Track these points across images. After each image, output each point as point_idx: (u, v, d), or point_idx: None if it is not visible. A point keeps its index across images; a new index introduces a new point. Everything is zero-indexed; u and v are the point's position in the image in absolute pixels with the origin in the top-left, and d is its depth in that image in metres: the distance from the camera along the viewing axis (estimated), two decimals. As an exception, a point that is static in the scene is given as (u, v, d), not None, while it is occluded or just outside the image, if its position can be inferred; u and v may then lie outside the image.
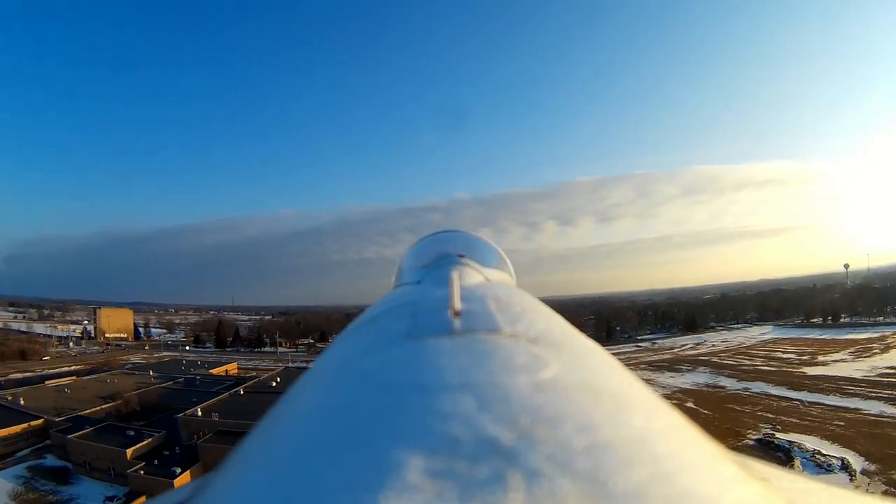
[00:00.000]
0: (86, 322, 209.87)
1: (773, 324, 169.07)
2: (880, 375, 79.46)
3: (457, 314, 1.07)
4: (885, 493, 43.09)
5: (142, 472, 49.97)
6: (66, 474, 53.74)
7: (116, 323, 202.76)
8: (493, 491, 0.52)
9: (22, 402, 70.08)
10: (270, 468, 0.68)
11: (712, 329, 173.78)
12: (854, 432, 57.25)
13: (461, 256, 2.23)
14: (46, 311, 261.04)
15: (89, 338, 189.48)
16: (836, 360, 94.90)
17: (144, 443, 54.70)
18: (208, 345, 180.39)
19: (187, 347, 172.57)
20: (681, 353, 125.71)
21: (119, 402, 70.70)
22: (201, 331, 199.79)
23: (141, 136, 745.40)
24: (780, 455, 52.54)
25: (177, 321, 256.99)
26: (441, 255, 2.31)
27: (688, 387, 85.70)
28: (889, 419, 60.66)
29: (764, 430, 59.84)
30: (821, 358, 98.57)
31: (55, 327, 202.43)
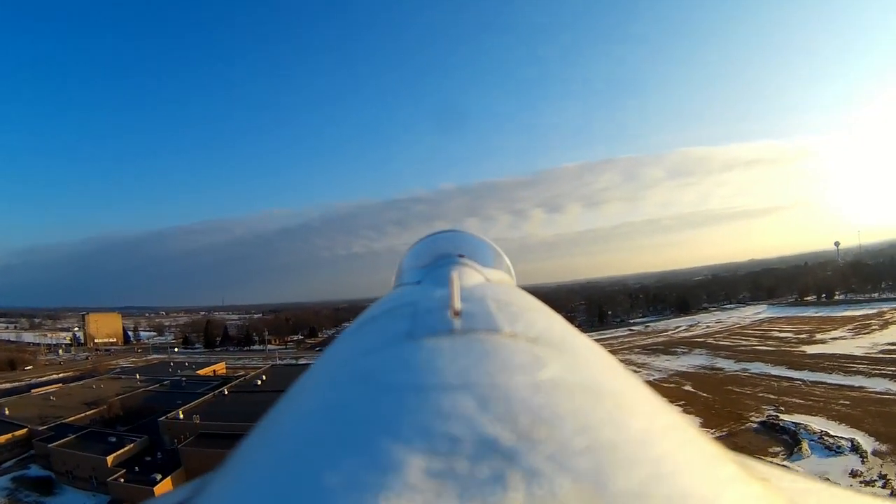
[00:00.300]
0: (76, 329, 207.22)
1: (766, 303, 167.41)
2: (882, 352, 76.98)
3: (457, 314, 1.07)
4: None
5: (122, 479, 48.22)
6: (49, 484, 52.34)
7: (105, 328, 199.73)
8: (493, 491, 0.52)
9: (7, 412, 68.04)
10: (270, 468, 0.68)
11: (705, 310, 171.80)
12: (861, 412, 54.58)
13: (461, 256, 2.25)
14: (38, 320, 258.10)
15: (79, 344, 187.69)
16: (835, 338, 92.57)
17: (125, 449, 53.32)
18: (197, 345, 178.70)
19: (176, 349, 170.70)
20: (675, 335, 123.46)
21: (103, 407, 68.85)
22: (190, 332, 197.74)
23: (125, 142, 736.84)
24: (787, 438, 50.01)
25: (167, 323, 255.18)
26: (441, 255, 2.33)
27: (685, 369, 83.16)
28: (896, 397, 58.15)
29: (767, 412, 57.03)
30: (819, 336, 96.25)
31: (45, 335, 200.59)
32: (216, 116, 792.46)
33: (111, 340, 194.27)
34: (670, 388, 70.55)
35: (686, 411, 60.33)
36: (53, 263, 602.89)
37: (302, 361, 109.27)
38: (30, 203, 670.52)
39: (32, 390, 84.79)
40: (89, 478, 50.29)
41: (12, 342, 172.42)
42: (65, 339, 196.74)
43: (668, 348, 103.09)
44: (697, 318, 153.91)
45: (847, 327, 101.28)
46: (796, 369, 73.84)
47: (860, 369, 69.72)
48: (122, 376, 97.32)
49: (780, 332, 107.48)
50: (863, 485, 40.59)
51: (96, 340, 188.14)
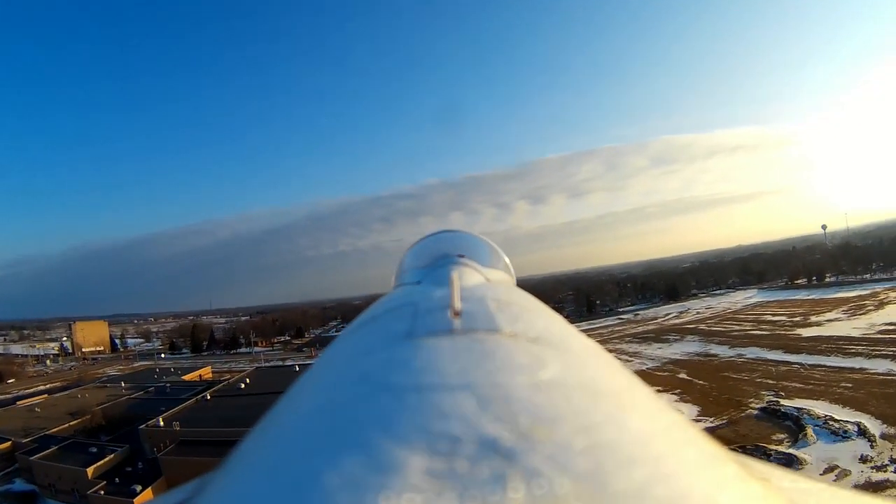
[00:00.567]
0: (63, 339, 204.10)
1: (756, 287, 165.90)
2: (881, 332, 74.81)
3: (457, 314, 1.08)
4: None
5: (102, 491, 46.30)
6: (33, 498, 51.59)
7: (92, 336, 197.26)
8: (493, 491, 0.52)
9: (-10, 426, 66.06)
10: (270, 468, 0.68)
11: (695, 296, 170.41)
12: (864, 394, 52.06)
13: (461, 256, 2.28)
14: (27, 332, 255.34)
15: (66, 354, 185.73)
16: (831, 320, 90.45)
17: (106, 459, 51.82)
18: (184, 350, 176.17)
19: (162, 355, 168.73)
20: (665, 322, 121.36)
21: (86, 417, 66.99)
22: (177, 337, 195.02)
23: (104, 148, 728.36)
24: (790, 424, 47.30)
25: (154, 329, 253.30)
26: (441, 255, 2.35)
27: (678, 357, 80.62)
28: (899, 378, 55.72)
29: (767, 398, 54.41)
30: (813, 318, 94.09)
31: (33, 346, 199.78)
32: (195, 117, 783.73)
33: (98, 349, 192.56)
34: (665, 377, 68.17)
35: (683, 400, 57.91)
36: (40, 274, 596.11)
37: (289, 362, 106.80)
38: (11, 214, 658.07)
39: (18, 402, 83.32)
40: (71, 490, 49.08)
41: (0, 354, 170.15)
42: (53, 349, 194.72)
43: (660, 336, 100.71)
44: (687, 304, 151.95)
45: (841, 308, 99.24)
46: (793, 353, 71.37)
47: (859, 350, 67.36)
48: (108, 385, 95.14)
49: (774, 315, 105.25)
50: (874, 470, 38.15)
51: (84, 349, 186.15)
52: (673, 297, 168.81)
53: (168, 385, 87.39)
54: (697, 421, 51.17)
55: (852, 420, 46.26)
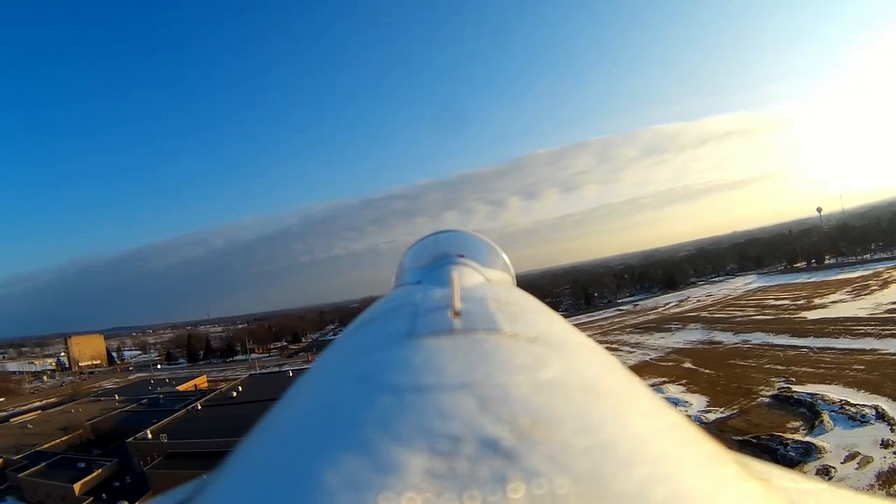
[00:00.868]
0: (61, 354, 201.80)
1: (756, 273, 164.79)
2: (888, 312, 73.26)
3: (457, 314, 1.08)
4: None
5: None
6: None
7: (88, 350, 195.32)
8: (494, 491, 0.52)
9: (-18, 444, 65.09)
10: (270, 468, 0.68)
11: (693, 284, 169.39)
12: (878, 375, 50.10)
13: (461, 256, 2.28)
14: (25, 349, 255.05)
15: (63, 369, 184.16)
16: (835, 301, 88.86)
17: (94, 475, 50.71)
18: (181, 360, 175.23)
19: (158, 366, 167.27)
20: (666, 311, 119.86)
21: (78, 432, 66.31)
22: (174, 347, 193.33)
23: (94, 163, 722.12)
24: (804, 410, 45.17)
25: (151, 341, 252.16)
26: (441, 255, 2.36)
27: (681, 346, 78.76)
28: (913, 357, 53.80)
29: (778, 385, 52.41)
30: (817, 301, 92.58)
31: (31, 363, 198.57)
32: (185, 128, 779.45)
33: (95, 362, 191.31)
34: (670, 367, 66.38)
35: (690, 390, 55.98)
36: (37, 291, 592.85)
37: (284, 368, 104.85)
38: (7, 233, 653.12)
39: (11, 419, 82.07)
40: None
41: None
42: (49, 364, 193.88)
43: (661, 325, 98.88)
44: (686, 292, 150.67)
45: (845, 290, 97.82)
46: (800, 336, 69.61)
47: (868, 331, 65.59)
48: (102, 399, 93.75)
49: (776, 300, 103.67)
50: (897, 455, 36.24)
51: (80, 364, 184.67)
52: (671, 286, 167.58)
53: (161, 396, 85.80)
54: (707, 412, 49.42)
55: (869, 404, 44.29)
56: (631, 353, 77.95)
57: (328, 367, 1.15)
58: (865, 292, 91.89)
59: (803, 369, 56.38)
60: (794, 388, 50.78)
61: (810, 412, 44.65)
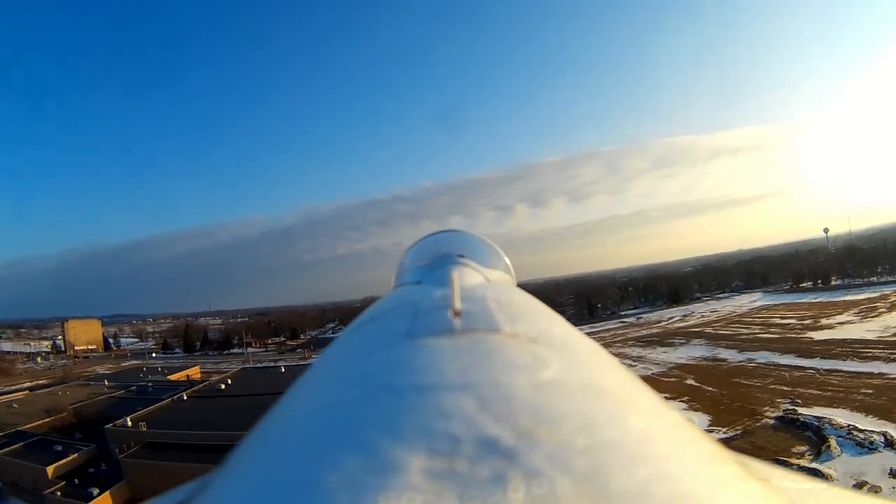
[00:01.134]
0: (58, 337, 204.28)
1: (761, 290, 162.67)
2: (897, 335, 71.49)
3: (457, 314, 1.08)
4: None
5: (59, 493, 43.85)
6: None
7: (84, 335, 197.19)
8: (494, 491, 0.52)
9: (-35, 422, 64.86)
10: (270, 468, 0.68)
11: (698, 300, 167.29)
12: (887, 401, 48.70)
13: (461, 256, 2.28)
14: (23, 331, 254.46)
15: (58, 352, 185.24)
16: (842, 323, 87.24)
17: (69, 459, 49.52)
18: (177, 350, 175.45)
19: (153, 354, 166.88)
20: (669, 325, 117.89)
21: (63, 415, 65.38)
22: (171, 337, 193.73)
23: (105, 151, 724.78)
24: (810, 434, 43.88)
25: (150, 329, 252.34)
26: (441, 255, 2.36)
27: (684, 361, 77.21)
28: (923, 383, 52.38)
29: (783, 406, 51.07)
30: (824, 321, 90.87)
31: (27, 344, 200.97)
32: (196, 122, 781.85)
33: (91, 347, 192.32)
34: (672, 383, 64.81)
35: (692, 408, 54.47)
36: (39, 275, 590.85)
37: (280, 363, 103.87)
38: (11, 214, 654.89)
39: None
40: (32, 489, 46.71)
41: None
42: (45, 347, 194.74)
43: (664, 339, 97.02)
44: (691, 307, 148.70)
45: (852, 311, 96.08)
46: (807, 357, 68.13)
47: (877, 354, 64.10)
48: (91, 383, 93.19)
49: (782, 318, 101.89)
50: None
51: (76, 348, 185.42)
52: (676, 300, 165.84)
53: (150, 384, 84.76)
54: (709, 431, 47.73)
55: (878, 430, 42.88)
56: (633, 366, 76.28)
57: (328, 366, 1.15)
58: (873, 314, 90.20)
59: (810, 391, 55.01)
60: (801, 410, 49.38)
61: (816, 436, 43.28)
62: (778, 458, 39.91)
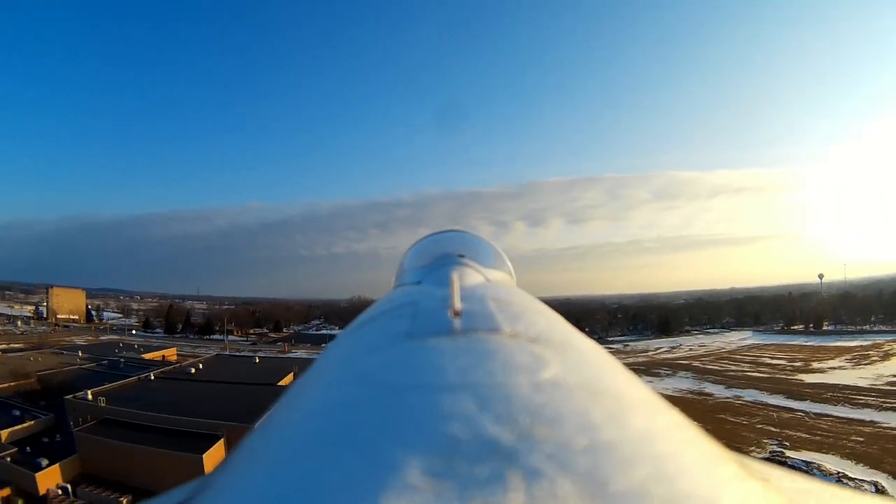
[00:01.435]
0: (44, 304, 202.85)
1: (752, 329, 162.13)
2: (890, 384, 70.62)
3: (457, 314, 1.08)
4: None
5: (9, 458, 42.06)
6: None
7: (67, 304, 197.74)
8: (494, 491, 0.52)
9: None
10: (271, 468, 0.68)
11: (688, 332, 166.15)
12: (878, 449, 47.24)
13: (461, 256, 2.29)
14: (10, 293, 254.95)
15: (40, 318, 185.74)
16: (834, 368, 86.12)
17: (25, 425, 49.18)
18: (158, 330, 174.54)
19: (133, 331, 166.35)
20: (656, 356, 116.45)
21: (30, 380, 65.31)
22: (154, 316, 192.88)
23: (105, 124, 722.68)
24: (798, 479, 42.10)
25: (135, 306, 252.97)
26: (441, 255, 2.37)
27: (669, 393, 74.88)
28: (914, 435, 51.14)
29: (770, 447, 49.38)
30: (815, 365, 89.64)
31: (11, 307, 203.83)
32: (202, 109, 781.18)
33: (73, 317, 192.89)
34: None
35: (676, 440, 52.77)
36: (35, 239, 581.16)
37: (260, 354, 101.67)
38: (14, 176, 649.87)
39: None
40: None
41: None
42: (28, 311, 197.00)
43: (650, 369, 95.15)
44: (679, 339, 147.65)
45: (844, 357, 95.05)
46: (796, 399, 66.59)
47: (869, 402, 62.82)
48: (65, 352, 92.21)
49: (772, 358, 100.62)
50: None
51: (58, 316, 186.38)
52: (665, 331, 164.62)
53: (122, 360, 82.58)
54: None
55: (868, 479, 41.37)
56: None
57: (328, 366, 1.14)
58: (865, 362, 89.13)
59: (798, 434, 53.30)
60: (788, 453, 47.74)
61: (805, 482, 41.45)
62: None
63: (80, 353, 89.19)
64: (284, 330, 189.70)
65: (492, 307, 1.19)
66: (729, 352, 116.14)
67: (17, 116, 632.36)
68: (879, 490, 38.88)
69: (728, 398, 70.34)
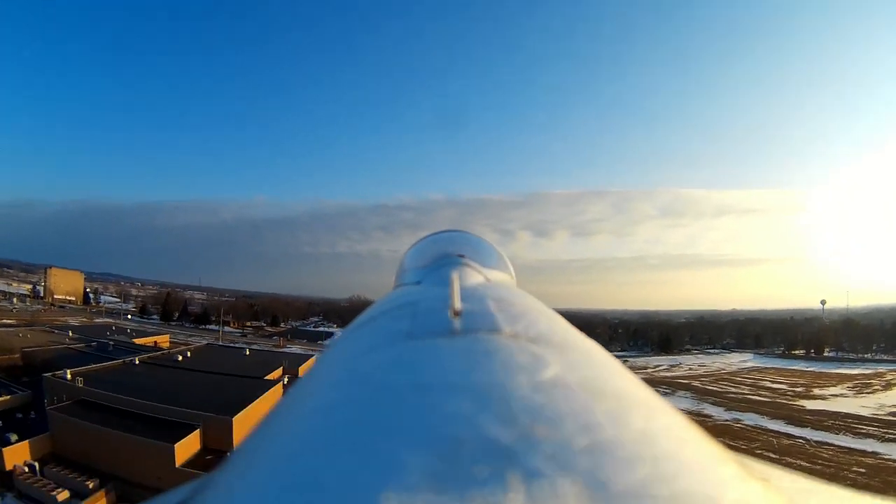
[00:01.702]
0: (42, 283, 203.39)
1: (752, 352, 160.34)
2: (892, 415, 68.97)
3: (457, 314, 1.08)
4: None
5: None
6: None
7: (65, 285, 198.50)
8: (494, 491, 0.52)
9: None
10: (271, 467, 0.68)
11: (688, 352, 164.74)
12: (881, 483, 45.22)
13: (461, 256, 2.29)
14: (11, 271, 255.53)
15: (37, 297, 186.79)
16: (836, 395, 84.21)
17: (1, 399, 49.30)
18: (154, 317, 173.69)
19: (129, 316, 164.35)
20: (655, 374, 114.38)
21: (15, 356, 65.53)
22: (152, 303, 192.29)
23: (118, 111, 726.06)
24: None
25: (134, 293, 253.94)
26: (441, 255, 2.37)
27: (668, 411, 73.44)
28: (918, 468, 49.33)
29: (770, 474, 47.50)
30: (817, 391, 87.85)
31: (10, 284, 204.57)
32: (208, 103, 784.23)
33: (69, 298, 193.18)
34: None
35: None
36: (40, 220, 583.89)
37: (249, 347, 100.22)
38: (21, 155, 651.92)
39: None
40: None
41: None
42: (25, 290, 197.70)
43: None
44: (679, 358, 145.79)
45: (846, 385, 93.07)
46: (797, 425, 64.85)
47: (871, 432, 60.99)
48: (55, 331, 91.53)
49: (773, 382, 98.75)
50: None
51: (55, 296, 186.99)
52: (665, 348, 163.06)
53: (112, 343, 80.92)
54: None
55: (870, 514, 39.36)
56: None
57: (328, 366, 1.13)
58: (867, 391, 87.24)
59: (799, 462, 51.27)
60: (788, 481, 45.91)
61: (804, 511, 39.75)
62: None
63: (71, 334, 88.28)
64: (282, 325, 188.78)
65: (492, 307, 1.19)
66: (729, 373, 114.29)
67: (36, 99, 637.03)
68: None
69: (727, 421, 68.49)
